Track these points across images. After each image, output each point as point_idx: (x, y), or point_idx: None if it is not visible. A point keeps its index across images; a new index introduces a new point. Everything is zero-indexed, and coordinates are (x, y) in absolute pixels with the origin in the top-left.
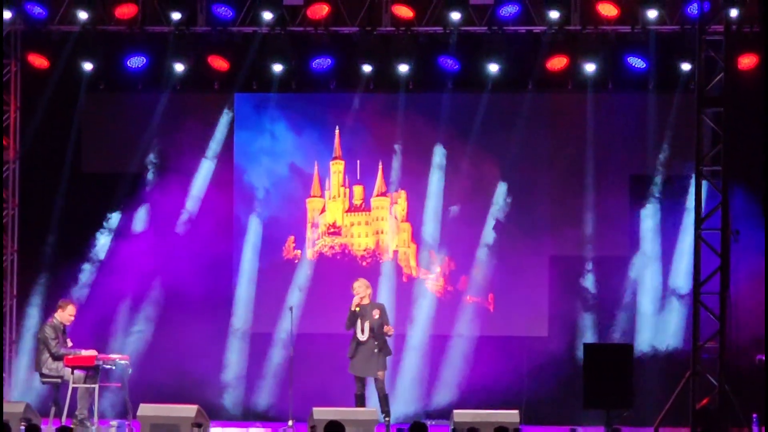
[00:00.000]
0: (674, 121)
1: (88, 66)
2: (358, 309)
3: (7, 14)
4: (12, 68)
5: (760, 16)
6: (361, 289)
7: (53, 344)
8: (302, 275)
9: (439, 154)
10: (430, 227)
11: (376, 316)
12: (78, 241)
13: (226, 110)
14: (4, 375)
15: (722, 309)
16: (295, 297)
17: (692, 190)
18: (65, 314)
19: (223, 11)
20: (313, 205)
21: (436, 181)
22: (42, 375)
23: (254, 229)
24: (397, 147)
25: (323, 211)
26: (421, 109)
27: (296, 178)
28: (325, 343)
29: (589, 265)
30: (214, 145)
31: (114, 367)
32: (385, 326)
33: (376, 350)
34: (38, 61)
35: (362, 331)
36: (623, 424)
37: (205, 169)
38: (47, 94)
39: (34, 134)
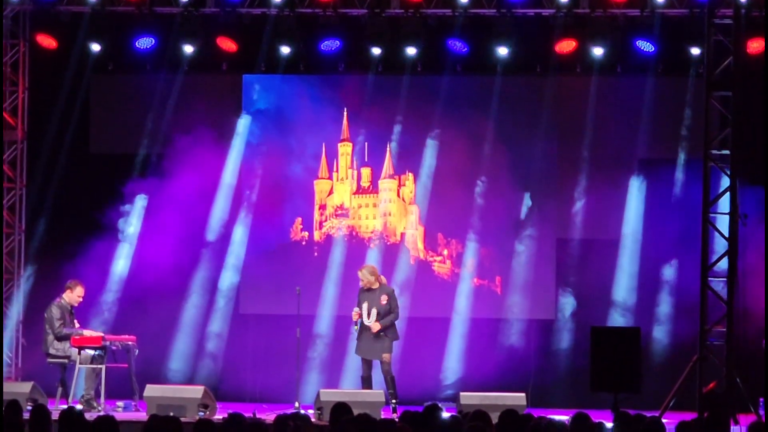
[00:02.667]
0: (683, 105)
1: (96, 47)
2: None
3: None
4: (21, 49)
5: (764, 1)
6: (364, 279)
7: (57, 324)
8: (309, 257)
9: (446, 137)
10: (438, 210)
11: (384, 302)
12: (85, 221)
13: (233, 90)
14: (11, 356)
15: (730, 293)
16: (302, 279)
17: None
18: (73, 295)
19: None
20: (320, 186)
21: (443, 163)
22: (49, 355)
23: (261, 211)
24: (404, 129)
25: (331, 192)
26: (428, 91)
27: (304, 159)
28: (332, 324)
29: (597, 248)
30: (222, 126)
31: (121, 348)
32: (373, 323)
33: (381, 333)
34: (47, 41)
35: (368, 315)
36: (630, 408)
37: (213, 150)
38: (56, 75)
39: (42, 115)
